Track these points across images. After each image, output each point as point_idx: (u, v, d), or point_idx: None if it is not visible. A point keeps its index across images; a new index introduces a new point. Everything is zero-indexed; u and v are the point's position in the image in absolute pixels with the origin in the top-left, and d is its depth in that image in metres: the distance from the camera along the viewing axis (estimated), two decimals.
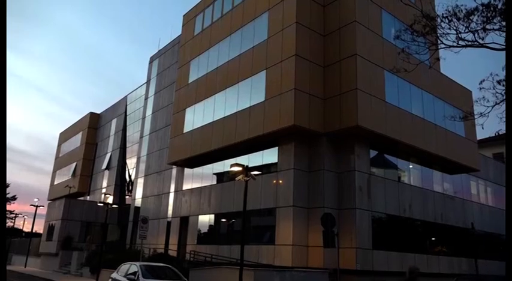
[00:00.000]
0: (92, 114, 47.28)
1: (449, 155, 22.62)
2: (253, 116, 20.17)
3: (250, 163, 19.06)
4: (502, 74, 8.09)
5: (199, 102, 24.84)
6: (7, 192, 54.49)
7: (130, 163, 35.75)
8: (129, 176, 35.34)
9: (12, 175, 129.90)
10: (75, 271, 28.43)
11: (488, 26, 8.19)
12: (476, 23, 8.29)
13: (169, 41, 32.85)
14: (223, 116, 22.35)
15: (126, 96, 41.06)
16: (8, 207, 57.46)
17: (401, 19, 20.23)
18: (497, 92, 8.32)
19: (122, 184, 36.82)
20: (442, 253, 22.48)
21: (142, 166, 32.30)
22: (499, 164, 31.29)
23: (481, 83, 8.40)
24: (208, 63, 25.05)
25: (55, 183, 51.73)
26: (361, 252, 17.62)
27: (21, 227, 59.91)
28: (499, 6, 7.97)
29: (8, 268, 32.58)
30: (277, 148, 19.83)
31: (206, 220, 23.68)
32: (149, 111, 33.35)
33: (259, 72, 20.61)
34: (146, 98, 34.46)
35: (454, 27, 8.46)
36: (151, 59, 35.19)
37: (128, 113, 39.67)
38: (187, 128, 25.40)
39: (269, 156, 20.34)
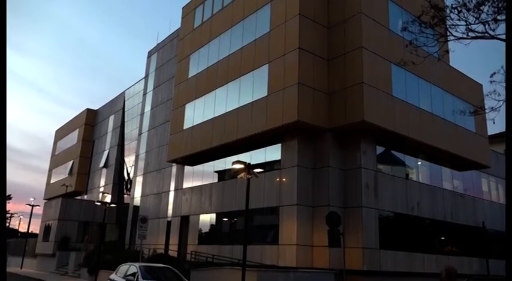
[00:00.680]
0: (88, 110, 46.30)
1: (459, 151, 22.04)
2: (256, 112, 19.67)
3: (253, 160, 18.57)
4: None
5: (200, 98, 24.29)
6: None
7: (129, 160, 35.17)
8: (128, 174, 34.80)
9: (8, 173, 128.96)
10: (73, 272, 28.07)
11: (499, 17, 7.90)
12: (487, 14, 8.05)
13: (168, 35, 32.20)
14: (224, 111, 21.85)
15: (123, 91, 40.23)
16: None
17: (408, 10, 19.63)
18: None
19: (120, 183, 36.27)
20: (452, 253, 21.98)
21: (141, 164, 31.69)
22: None
23: (492, 76, 8.24)
24: (208, 57, 24.46)
25: (51, 182, 50.90)
26: (368, 252, 17.22)
27: (16, 227, 59.77)
28: None
29: None
30: (280, 144, 19.39)
31: (207, 219, 23.22)
32: (148, 107, 32.69)
33: (262, 66, 20.11)
34: (145, 94, 33.77)
35: (464, 18, 8.19)
36: (150, 53, 34.50)
37: (126, 109, 38.92)
38: (187, 124, 24.87)
39: (272, 153, 19.89)
